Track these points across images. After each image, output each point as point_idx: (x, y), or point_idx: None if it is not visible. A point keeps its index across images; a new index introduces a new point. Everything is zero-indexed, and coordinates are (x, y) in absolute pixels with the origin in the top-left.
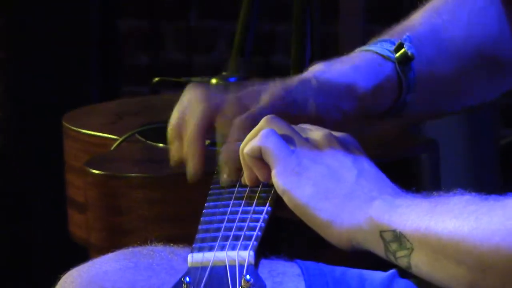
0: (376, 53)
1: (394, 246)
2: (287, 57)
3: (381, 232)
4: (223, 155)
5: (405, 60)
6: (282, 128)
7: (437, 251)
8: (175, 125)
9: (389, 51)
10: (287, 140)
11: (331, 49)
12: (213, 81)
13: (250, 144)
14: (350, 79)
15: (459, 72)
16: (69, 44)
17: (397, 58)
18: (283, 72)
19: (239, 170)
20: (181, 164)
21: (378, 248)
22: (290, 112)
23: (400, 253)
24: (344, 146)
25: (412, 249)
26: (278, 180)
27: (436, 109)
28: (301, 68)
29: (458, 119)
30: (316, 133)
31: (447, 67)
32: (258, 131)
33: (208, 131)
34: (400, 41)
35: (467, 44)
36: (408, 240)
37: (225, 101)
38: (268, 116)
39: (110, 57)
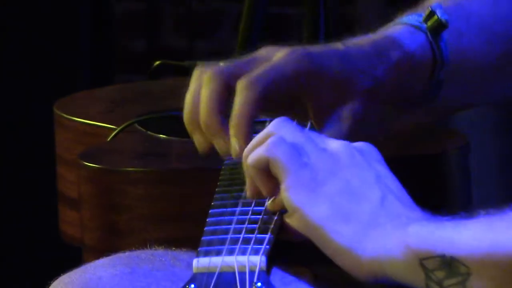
0: (406, 23)
1: (440, 274)
2: (298, 42)
3: (422, 261)
4: (232, 121)
5: (438, 29)
6: (294, 134)
7: (508, 270)
8: (190, 114)
9: (419, 21)
10: (300, 149)
11: (348, 34)
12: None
13: (255, 153)
14: (382, 46)
15: (491, 51)
16: (58, 26)
17: (429, 27)
18: None
19: (248, 138)
20: (211, 152)
21: (415, 279)
22: (310, 72)
23: (450, 281)
24: (366, 158)
25: (469, 274)
26: (289, 195)
27: (467, 98)
28: None
29: (485, 112)
30: (333, 142)
31: (477, 45)
32: (265, 138)
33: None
34: (430, 8)
35: (496, 21)
36: (463, 264)
37: (233, 69)
38: (278, 119)
39: (103, 41)
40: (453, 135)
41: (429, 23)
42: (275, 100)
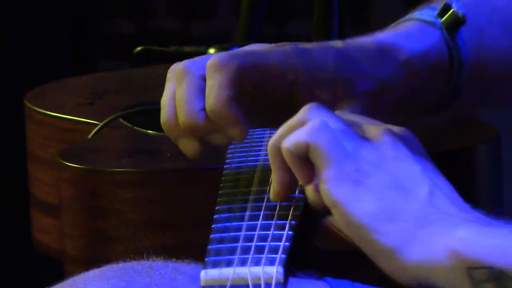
0: (418, 19)
1: (488, 287)
2: (307, 25)
3: (470, 270)
4: (210, 112)
5: (455, 24)
6: (334, 120)
7: None
8: (169, 121)
9: (433, 16)
10: (342, 137)
11: (363, 15)
12: (211, 50)
13: (294, 137)
14: (387, 45)
15: None
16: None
17: (444, 22)
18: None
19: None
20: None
21: None
22: (298, 68)
23: None
24: (410, 148)
25: None
26: (330, 187)
27: (487, 103)
28: (326, 38)
29: None
30: (373, 128)
31: (501, 43)
32: (301, 122)
33: None
34: (445, 2)
35: None
36: None
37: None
38: (311, 104)
39: (85, 23)
40: (483, 128)
41: (445, 18)
42: (265, 101)
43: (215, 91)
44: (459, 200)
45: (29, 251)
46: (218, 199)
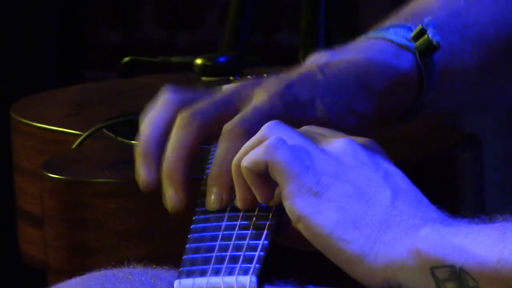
0: (391, 41)
1: (450, 285)
2: (294, 34)
3: (433, 269)
4: (213, 171)
5: (428, 50)
6: (291, 136)
7: None
8: (148, 142)
9: (406, 39)
10: (301, 151)
11: (351, 23)
12: (198, 61)
13: (252, 156)
14: (363, 75)
15: (486, 64)
16: (20, 16)
17: (418, 48)
18: (290, 52)
19: (231, 189)
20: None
21: None
22: (292, 114)
23: None
24: (371, 156)
25: None
26: (294, 203)
27: (460, 108)
28: (313, 47)
29: (499, 112)
30: (333, 141)
31: (472, 59)
32: (260, 140)
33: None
34: (421, 26)
35: (495, 30)
36: (471, 278)
37: (209, 105)
38: (271, 122)
39: (70, 33)
40: (463, 137)
41: (419, 43)
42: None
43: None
44: (423, 202)
45: (16, 263)
46: (196, 209)
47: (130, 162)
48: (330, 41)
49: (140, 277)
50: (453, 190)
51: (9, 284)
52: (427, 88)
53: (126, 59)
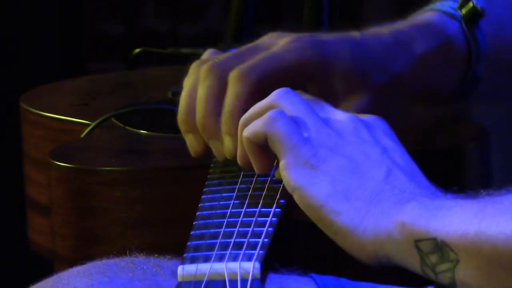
0: (438, 10)
1: (433, 258)
2: (298, 24)
3: (417, 242)
4: (223, 119)
5: (474, 17)
6: (296, 106)
7: (492, 261)
8: (185, 114)
9: (453, 9)
10: (301, 123)
11: (354, 12)
12: (208, 51)
13: (252, 127)
14: (404, 37)
15: None
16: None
17: (464, 16)
18: None
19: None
20: (204, 155)
21: (412, 262)
22: (316, 62)
23: (441, 267)
24: (372, 133)
25: (458, 261)
26: (289, 174)
27: (499, 91)
28: None
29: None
30: (338, 114)
31: None
32: (265, 108)
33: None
34: None
35: None
36: (452, 250)
37: (231, 61)
38: (280, 89)
39: (74, 25)
40: (471, 127)
41: (464, 10)
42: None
43: (231, 101)
44: (418, 178)
45: (25, 252)
46: (202, 197)
47: (137, 151)
48: (334, 30)
49: (142, 266)
50: (460, 180)
51: (18, 274)
52: (475, 58)
53: (137, 50)
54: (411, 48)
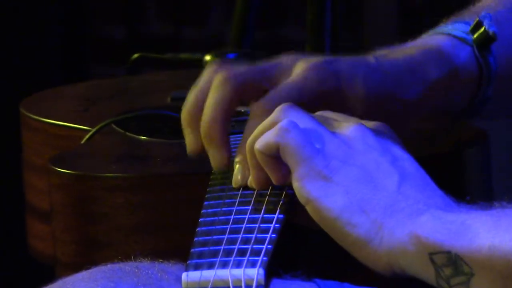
0: (449, 34)
1: (448, 271)
2: (300, 29)
3: (431, 255)
4: (238, 148)
5: (485, 42)
6: (304, 119)
7: (506, 275)
8: (191, 109)
9: (465, 32)
10: (312, 135)
11: (356, 18)
12: (207, 57)
13: (264, 138)
14: (417, 64)
15: None
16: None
17: (475, 40)
18: (296, 48)
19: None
20: (200, 155)
21: (427, 274)
22: (326, 87)
23: (456, 280)
24: (380, 141)
25: (472, 275)
26: (302, 186)
27: (507, 110)
28: (320, 43)
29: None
30: (344, 124)
31: None
32: (273, 123)
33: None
34: (478, 18)
35: None
36: (466, 264)
37: (247, 69)
38: (284, 105)
39: (76, 28)
40: (471, 132)
41: (476, 35)
42: None
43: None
44: (430, 186)
45: (25, 258)
46: (204, 203)
47: (138, 157)
48: (336, 35)
49: (147, 271)
50: (461, 185)
51: (18, 280)
52: (486, 80)
53: (135, 55)
54: (423, 76)
